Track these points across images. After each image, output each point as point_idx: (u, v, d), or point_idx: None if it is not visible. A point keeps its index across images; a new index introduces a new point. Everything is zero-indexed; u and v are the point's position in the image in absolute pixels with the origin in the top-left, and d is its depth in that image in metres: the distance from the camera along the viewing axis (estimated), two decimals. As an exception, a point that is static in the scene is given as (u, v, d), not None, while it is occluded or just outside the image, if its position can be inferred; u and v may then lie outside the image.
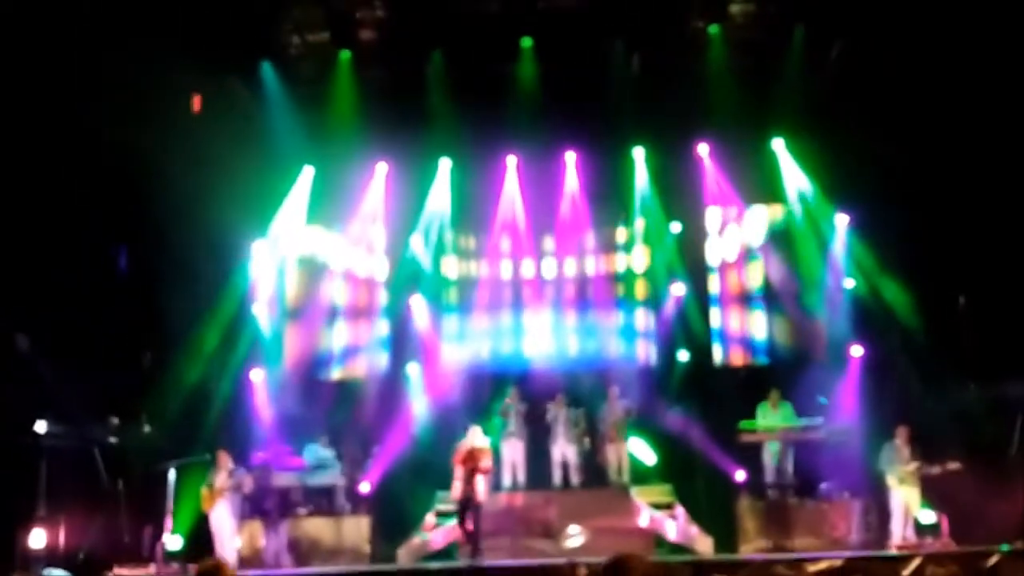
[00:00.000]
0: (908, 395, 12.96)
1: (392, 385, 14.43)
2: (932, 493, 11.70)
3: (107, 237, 13.56)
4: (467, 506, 11.34)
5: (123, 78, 12.31)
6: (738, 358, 14.86)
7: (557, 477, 13.39)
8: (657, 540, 12.31)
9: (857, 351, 13.71)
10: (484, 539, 11.46)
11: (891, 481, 11.69)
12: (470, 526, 11.33)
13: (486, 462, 11.46)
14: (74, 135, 12.26)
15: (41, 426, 11.66)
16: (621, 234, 15.20)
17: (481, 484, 11.35)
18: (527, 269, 15.16)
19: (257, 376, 14.09)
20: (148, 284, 13.52)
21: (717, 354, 14.83)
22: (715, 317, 14.90)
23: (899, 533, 11.54)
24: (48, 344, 11.88)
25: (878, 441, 11.99)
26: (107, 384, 13.14)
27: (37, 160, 11.98)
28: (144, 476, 12.43)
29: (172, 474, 11.61)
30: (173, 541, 11.75)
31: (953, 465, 11.48)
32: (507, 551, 11.93)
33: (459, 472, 11.39)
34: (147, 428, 13.26)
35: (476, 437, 11.64)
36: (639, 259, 15.11)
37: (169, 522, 11.62)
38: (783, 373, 13.82)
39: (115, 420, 13.07)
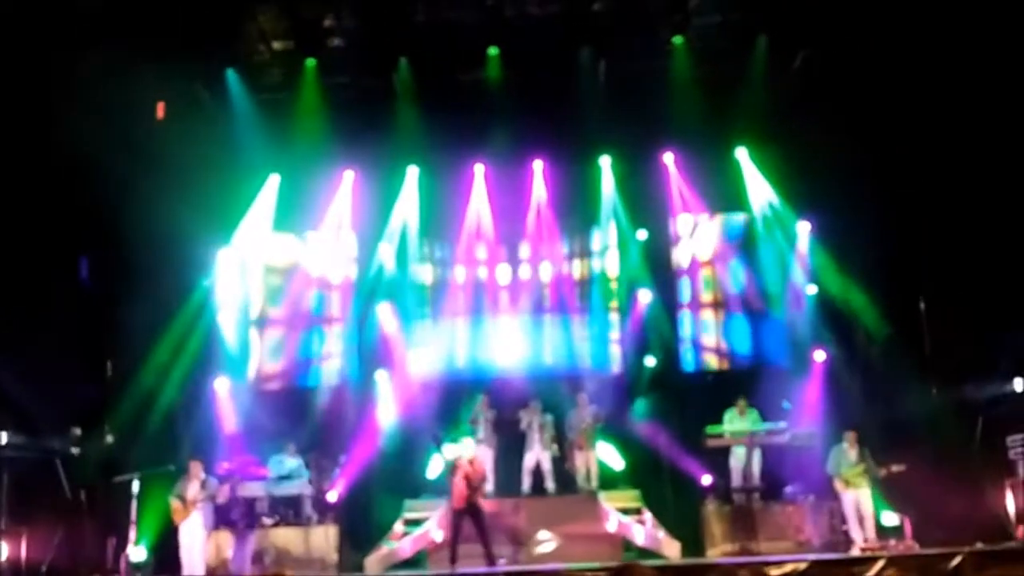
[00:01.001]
0: (870, 399, 13.15)
1: (359, 393, 14.33)
2: (895, 495, 11.87)
3: (69, 246, 13.36)
4: (469, 513, 11.29)
5: (86, 85, 12.21)
6: (704, 364, 14.98)
7: (527, 484, 13.39)
8: (625, 545, 12.37)
9: (820, 356, 13.89)
10: (460, 546, 11.40)
11: (838, 484, 11.80)
12: (474, 531, 11.30)
13: (480, 472, 11.59)
14: (35, 143, 12.10)
15: (1, 437, 11.47)
16: (588, 242, 15.25)
17: (481, 491, 11.46)
18: (495, 276, 15.17)
19: (222, 385, 13.96)
20: (111, 294, 13.35)
21: (684, 360, 14.94)
22: (681, 323, 15.01)
23: (857, 536, 11.63)
24: (9, 354, 11.66)
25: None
26: (69, 394, 12.99)
27: (-3, 169, 11.82)
28: (107, 487, 12.28)
29: (136, 485, 11.46)
30: (137, 553, 11.60)
31: (897, 467, 11.61)
32: (477, 559, 11.87)
33: (460, 485, 11.32)
34: (110, 438, 13.11)
35: (467, 449, 11.65)
36: (606, 266, 15.19)
37: (133, 534, 11.47)
38: (748, 378, 13.98)
39: (77, 431, 12.91)
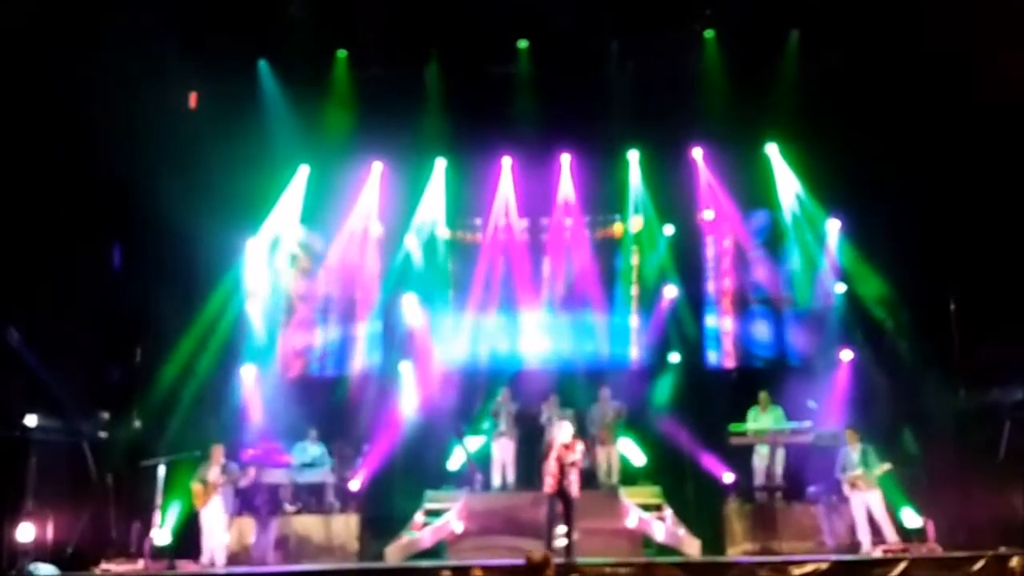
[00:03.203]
0: (897, 400, 13.00)
1: (383, 383, 14.42)
2: (919, 498, 11.73)
3: (101, 232, 13.56)
4: (560, 500, 11.10)
5: (121, 74, 12.35)
6: (729, 361, 14.86)
7: (548, 478, 13.34)
8: (645, 541, 12.32)
9: (847, 355, 13.75)
10: (480, 537, 11.36)
11: (845, 486, 11.71)
12: (560, 519, 11.10)
13: (576, 455, 11.16)
14: (70, 131, 12.25)
15: (31, 420, 11.66)
16: (615, 236, 15.18)
17: (574, 477, 11.08)
18: (520, 269, 15.14)
19: (248, 373, 14.09)
20: (141, 280, 13.53)
21: (708, 356, 14.85)
22: (707, 320, 14.92)
23: (864, 538, 11.52)
24: (40, 338, 11.85)
25: (864, 445, 11.94)
26: (98, 379, 13.23)
27: (32, 155, 11.97)
28: (133, 471, 12.43)
29: (161, 470, 11.60)
30: (161, 536, 11.75)
31: (886, 466, 11.53)
32: (496, 551, 11.91)
33: (552, 467, 11.09)
34: (137, 423, 13.33)
35: (565, 432, 11.30)
36: (632, 261, 15.12)
37: (157, 518, 11.61)
38: (773, 376, 13.83)
39: (105, 415, 13.13)
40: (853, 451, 11.73)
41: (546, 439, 11.70)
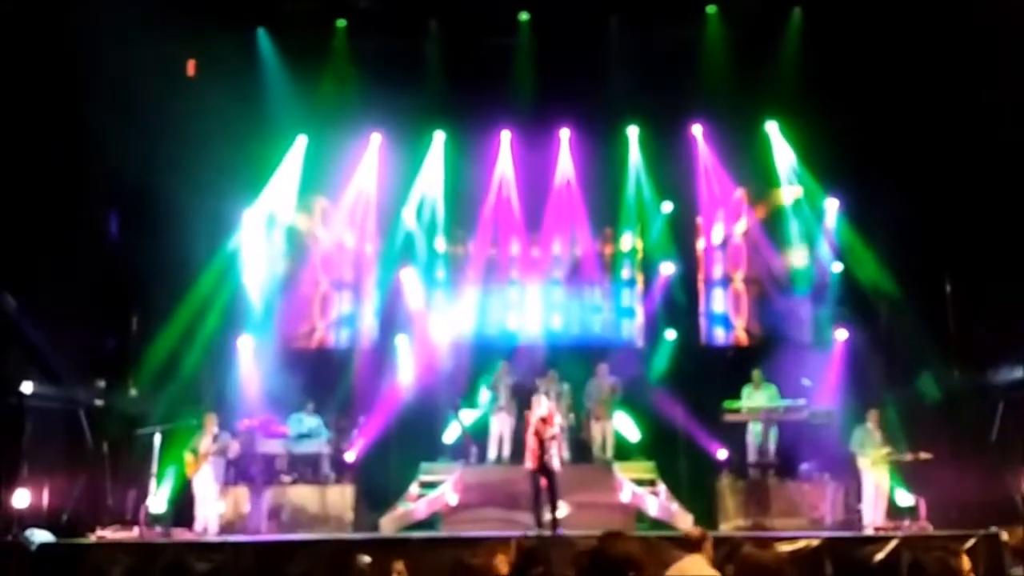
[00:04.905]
0: (891, 379, 13.06)
1: (381, 356, 14.42)
2: (911, 477, 11.81)
3: (98, 201, 13.51)
4: (542, 475, 11.14)
5: (118, 42, 12.22)
6: (726, 338, 14.90)
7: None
8: (638, 516, 12.41)
9: (842, 334, 13.79)
10: (474, 510, 11.37)
11: (862, 464, 11.79)
12: (544, 494, 11.13)
13: (554, 429, 11.19)
14: (67, 99, 12.14)
15: (27, 387, 11.65)
16: (613, 212, 15.15)
17: (555, 451, 11.14)
18: (519, 244, 15.13)
19: (245, 344, 14.09)
20: (138, 249, 13.47)
21: (704, 334, 14.89)
22: (703, 297, 14.94)
23: (870, 516, 11.63)
24: (37, 306, 11.84)
25: (860, 424, 12.03)
26: (94, 346, 13.24)
27: (29, 125, 11.88)
28: (129, 440, 12.45)
29: (157, 438, 11.61)
30: (156, 504, 11.80)
31: (925, 455, 11.54)
32: (490, 523, 11.98)
33: (531, 443, 11.17)
34: (133, 391, 13.33)
35: (541, 406, 11.35)
36: (630, 238, 15.12)
37: (153, 485, 11.65)
38: (768, 354, 13.84)
39: (101, 383, 13.12)
40: (875, 431, 11.77)
41: (525, 414, 11.69)
